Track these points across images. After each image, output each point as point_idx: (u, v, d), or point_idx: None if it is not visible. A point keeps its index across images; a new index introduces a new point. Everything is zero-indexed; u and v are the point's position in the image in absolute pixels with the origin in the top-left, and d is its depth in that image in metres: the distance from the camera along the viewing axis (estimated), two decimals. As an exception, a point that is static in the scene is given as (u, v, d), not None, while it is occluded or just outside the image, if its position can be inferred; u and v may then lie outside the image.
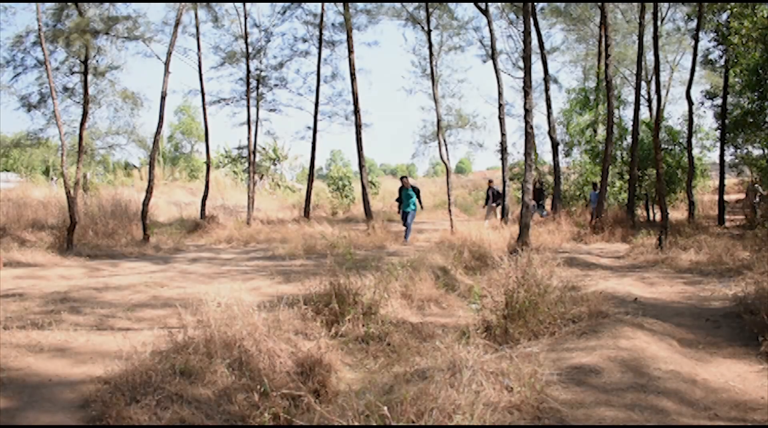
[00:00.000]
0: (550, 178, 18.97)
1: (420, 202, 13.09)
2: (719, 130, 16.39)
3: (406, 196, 12.94)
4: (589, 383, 3.35)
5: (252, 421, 3.20)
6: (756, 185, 18.07)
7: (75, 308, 5.57)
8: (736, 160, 18.90)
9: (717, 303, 5.85)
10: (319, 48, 18.31)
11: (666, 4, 18.44)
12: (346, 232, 12.39)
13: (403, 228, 13.94)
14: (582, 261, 9.22)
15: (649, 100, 19.17)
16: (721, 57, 16.16)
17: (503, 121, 16.03)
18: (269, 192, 29.93)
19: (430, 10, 16.04)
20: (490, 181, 17.78)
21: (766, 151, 17.61)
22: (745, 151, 18.04)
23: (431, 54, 15.99)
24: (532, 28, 12.85)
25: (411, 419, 2.64)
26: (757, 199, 17.48)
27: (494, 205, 17.17)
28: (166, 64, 13.30)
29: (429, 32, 16.00)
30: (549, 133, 17.35)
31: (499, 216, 16.85)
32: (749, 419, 3.01)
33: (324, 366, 3.91)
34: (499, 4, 18.71)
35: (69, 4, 12.05)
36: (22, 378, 3.58)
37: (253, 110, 17.93)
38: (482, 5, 15.82)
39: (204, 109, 17.70)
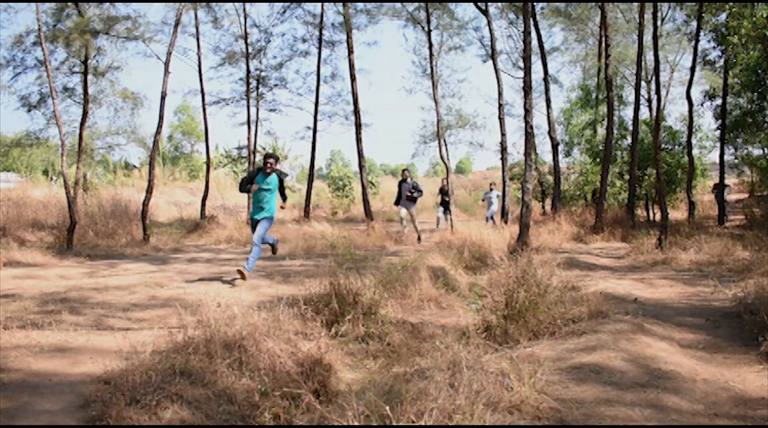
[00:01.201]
0: (550, 178, 18.99)
1: (284, 196, 7.90)
2: (719, 130, 16.40)
3: (265, 193, 7.61)
4: (589, 383, 3.35)
5: (252, 421, 3.20)
6: (725, 181, 17.85)
7: (75, 308, 5.57)
8: (736, 160, 18.91)
9: (717, 303, 5.85)
10: (319, 48, 18.33)
11: (666, 4, 18.45)
12: (346, 232, 12.39)
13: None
14: (582, 262, 9.22)
15: (649, 100, 19.18)
16: (720, 57, 16.17)
17: (503, 121, 16.04)
18: (269, 192, 29.85)
19: (430, 10, 16.06)
20: (405, 171, 13.71)
21: (766, 150, 17.61)
22: (744, 151, 18.02)
23: (431, 54, 16.00)
24: (532, 28, 12.85)
25: (411, 419, 2.64)
26: (726, 196, 17.31)
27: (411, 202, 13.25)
28: (166, 64, 13.31)
29: (429, 32, 16.02)
30: (549, 133, 17.37)
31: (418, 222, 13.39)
32: (750, 418, 3.01)
33: (324, 366, 3.91)
34: (499, 4, 18.74)
35: (69, 4, 12.06)
36: (21, 378, 3.58)
37: (253, 110, 17.97)
38: (482, 5, 15.84)
39: (204, 109, 17.72)
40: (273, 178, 7.61)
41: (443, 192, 15.50)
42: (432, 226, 16.40)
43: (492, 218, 16.42)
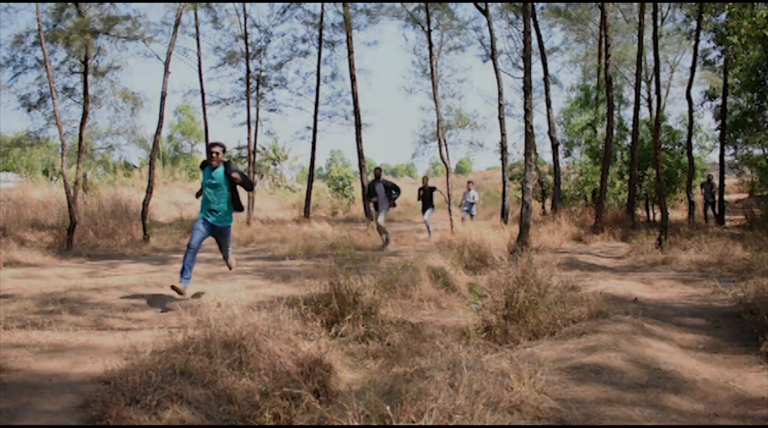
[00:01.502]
0: (550, 178, 19.00)
1: (237, 204, 6.18)
2: (719, 131, 16.40)
3: (211, 192, 6.04)
4: (589, 383, 3.35)
5: (252, 421, 3.20)
6: (712, 181, 17.26)
7: (74, 308, 5.57)
8: (736, 160, 18.90)
9: (717, 304, 5.85)
10: (319, 48, 18.34)
11: (666, 4, 18.46)
12: (346, 232, 12.40)
13: None
14: (582, 262, 9.22)
15: (649, 100, 19.19)
16: (720, 57, 16.18)
17: (503, 121, 16.05)
18: (269, 192, 29.94)
19: (430, 10, 16.07)
20: (377, 169, 12.20)
21: (766, 150, 17.59)
22: (745, 151, 18.01)
23: (431, 54, 16.01)
24: (532, 28, 12.85)
25: (411, 419, 2.64)
26: (713, 196, 16.83)
27: (387, 206, 11.59)
28: (166, 64, 13.31)
29: (429, 32, 16.02)
30: (549, 133, 17.38)
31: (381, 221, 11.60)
32: (750, 418, 3.01)
33: (324, 366, 3.91)
34: (499, 4, 18.75)
35: (69, 4, 12.06)
36: (21, 379, 3.58)
37: (253, 110, 17.98)
38: (482, 5, 15.84)
39: (204, 109, 17.73)
40: (220, 173, 6.09)
41: (424, 192, 13.71)
42: (434, 227, 15.97)
43: (469, 212, 15.44)
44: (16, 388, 3.41)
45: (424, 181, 14.08)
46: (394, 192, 11.55)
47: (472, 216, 15.69)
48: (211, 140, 5.68)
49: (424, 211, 13.73)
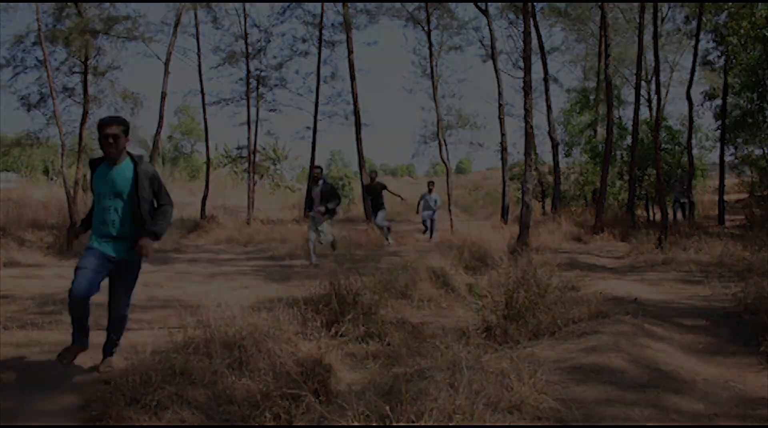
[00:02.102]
0: (550, 178, 19.01)
1: (155, 229, 3.82)
2: (719, 131, 16.39)
3: (110, 204, 3.68)
4: (590, 383, 3.35)
5: (252, 421, 3.20)
6: (683, 178, 16.15)
7: (75, 308, 5.55)
8: (736, 161, 18.90)
9: (717, 304, 5.85)
10: (319, 48, 18.33)
11: (666, 4, 18.46)
12: (345, 232, 12.39)
13: None
14: (582, 262, 9.22)
15: (649, 100, 19.20)
16: (720, 57, 16.17)
17: (503, 121, 16.05)
18: (269, 192, 29.94)
19: (430, 10, 16.07)
20: (316, 168, 9.87)
21: (766, 150, 17.58)
22: (745, 151, 18.01)
23: (431, 54, 16.02)
24: (532, 28, 12.86)
25: (411, 419, 2.63)
26: (684, 195, 15.89)
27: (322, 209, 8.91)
28: (166, 64, 13.33)
29: (429, 32, 16.03)
30: (549, 133, 17.39)
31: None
32: (750, 418, 3.02)
33: (324, 366, 3.91)
34: (499, 4, 18.75)
35: (69, 4, 12.07)
36: (22, 379, 3.58)
37: (253, 110, 17.97)
38: (482, 5, 15.85)
39: (204, 109, 17.73)
40: (123, 171, 3.74)
41: (370, 189, 12.12)
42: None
43: (430, 229, 13.07)
44: (17, 388, 3.41)
45: (371, 177, 12.30)
46: (331, 202, 8.98)
47: (433, 230, 13.08)
48: (106, 116, 3.64)
49: (374, 212, 11.99)
